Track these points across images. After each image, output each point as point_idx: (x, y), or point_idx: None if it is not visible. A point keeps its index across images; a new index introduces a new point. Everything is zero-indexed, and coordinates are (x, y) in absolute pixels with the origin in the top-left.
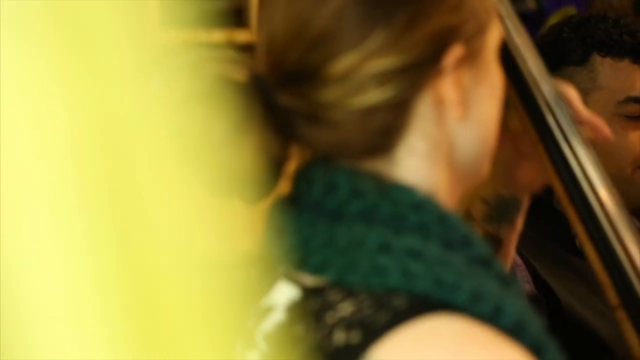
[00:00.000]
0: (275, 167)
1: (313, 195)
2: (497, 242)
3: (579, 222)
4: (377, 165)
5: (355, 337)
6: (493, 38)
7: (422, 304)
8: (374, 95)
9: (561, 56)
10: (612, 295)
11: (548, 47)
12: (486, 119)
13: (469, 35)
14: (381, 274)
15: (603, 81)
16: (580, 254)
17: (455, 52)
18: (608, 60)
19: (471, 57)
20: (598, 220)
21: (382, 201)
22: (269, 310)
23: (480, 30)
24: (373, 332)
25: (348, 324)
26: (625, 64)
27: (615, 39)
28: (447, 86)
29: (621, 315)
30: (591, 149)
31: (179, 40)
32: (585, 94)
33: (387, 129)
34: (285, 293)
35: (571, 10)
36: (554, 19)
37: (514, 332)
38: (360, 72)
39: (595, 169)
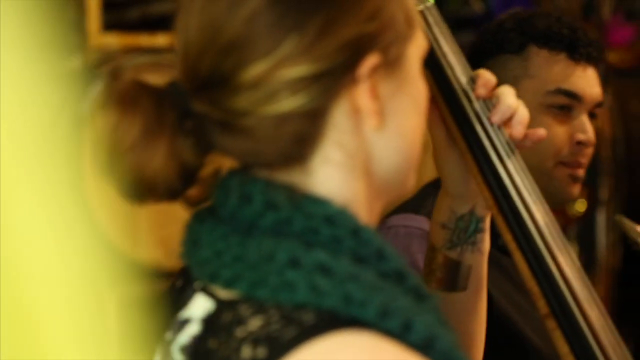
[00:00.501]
0: (187, 174)
1: (229, 206)
2: (466, 269)
3: (508, 232)
4: (292, 176)
5: (261, 352)
6: (415, 49)
7: (330, 320)
8: (287, 103)
9: (499, 44)
10: (541, 305)
11: (489, 35)
12: (406, 130)
13: (386, 44)
14: (290, 289)
15: (536, 70)
16: (504, 251)
17: (370, 61)
18: (544, 52)
19: (389, 67)
20: (527, 230)
21: (295, 214)
22: (185, 322)
23: (400, 40)
24: (279, 348)
25: (255, 339)
26: (561, 58)
27: (554, 32)
28: (363, 95)
29: (551, 324)
30: (520, 159)
31: (120, 44)
32: (516, 81)
33: (301, 137)
34: (201, 306)
35: None
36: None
37: (424, 348)
38: (272, 80)
39: (524, 177)
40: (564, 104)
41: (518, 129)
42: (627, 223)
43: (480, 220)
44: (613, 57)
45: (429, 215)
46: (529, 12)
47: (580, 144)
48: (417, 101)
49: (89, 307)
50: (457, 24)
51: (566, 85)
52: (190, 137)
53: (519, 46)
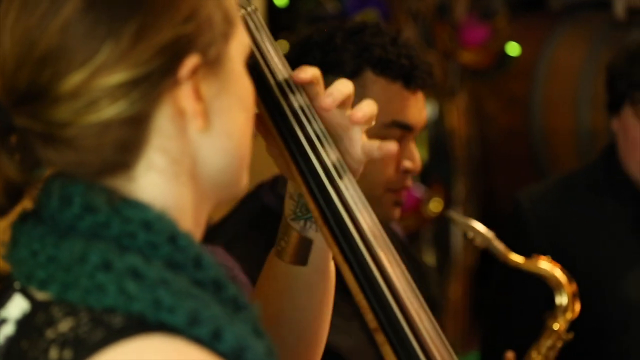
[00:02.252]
0: (13, 191)
1: (49, 208)
2: (307, 244)
3: (335, 244)
4: (116, 182)
5: (67, 354)
6: (237, 48)
7: (138, 324)
8: (108, 111)
9: (333, 64)
10: (370, 318)
11: (318, 51)
12: (234, 130)
13: (204, 45)
14: (100, 292)
15: (373, 99)
16: None
17: (190, 62)
18: (381, 80)
19: (210, 67)
20: (354, 243)
21: (113, 218)
22: (1, 323)
23: (219, 40)
24: (85, 350)
25: (63, 341)
26: (397, 87)
27: (392, 60)
28: (185, 97)
29: (380, 338)
30: (347, 169)
31: None
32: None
33: (124, 144)
34: (18, 306)
35: (372, 13)
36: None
37: (234, 357)
38: (91, 88)
39: (350, 185)
40: (397, 136)
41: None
42: (459, 218)
43: None
44: (468, 57)
45: None
46: (359, 27)
47: (407, 172)
48: (242, 99)
49: None
50: (311, 24)
51: (401, 117)
52: (16, 154)
53: (355, 70)
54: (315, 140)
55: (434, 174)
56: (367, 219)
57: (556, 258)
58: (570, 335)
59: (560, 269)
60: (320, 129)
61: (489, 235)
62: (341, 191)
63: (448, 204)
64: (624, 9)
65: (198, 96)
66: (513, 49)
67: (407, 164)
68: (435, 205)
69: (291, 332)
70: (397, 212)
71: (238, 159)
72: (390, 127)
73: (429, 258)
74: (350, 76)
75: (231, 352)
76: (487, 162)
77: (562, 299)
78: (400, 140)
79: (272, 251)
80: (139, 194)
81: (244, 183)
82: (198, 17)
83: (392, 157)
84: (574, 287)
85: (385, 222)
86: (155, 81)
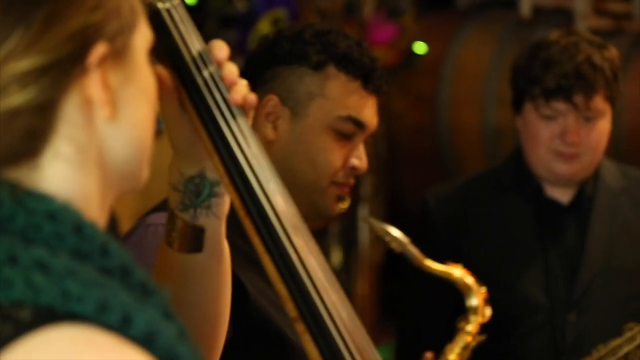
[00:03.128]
0: None
1: None
2: (199, 232)
3: (256, 235)
4: (21, 172)
5: None
6: (141, 39)
7: (47, 316)
8: (17, 98)
9: (299, 55)
10: (290, 307)
11: (286, 40)
12: (138, 121)
13: (112, 34)
14: (7, 286)
15: (332, 92)
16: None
17: (98, 50)
18: (342, 75)
19: (117, 56)
20: (275, 233)
21: (17, 211)
22: None
23: (125, 30)
24: None
25: None
26: (356, 85)
27: (355, 57)
28: (93, 85)
29: (301, 328)
30: (265, 156)
31: None
32: (309, 98)
33: (31, 132)
34: None
35: (281, 12)
36: (263, 22)
37: (145, 342)
38: (0, 75)
39: (274, 179)
40: (349, 131)
41: (236, 94)
42: (375, 223)
43: (215, 184)
44: (375, 55)
45: None
46: (327, 28)
47: (354, 169)
48: (146, 91)
49: None
50: (221, 22)
51: (357, 114)
52: None
53: (318, 63)
54: (238, 133)
55: None
56: (283, 205)
57: (461, 256)
58: (483, 337)
59: (472, 276)
60: (245, 122)
61: (404, 240)
62: (262, 182)
63: (355, 201)
64: (530, 7)
65: (105, 85)
66: (420, 47)
67: (355, 161)
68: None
69: (193, 317)
70: (338, 207)
71: (141, 151)
72: (346, 121)
73: (337, 254)
74: (314, 68)
75: (142, 336)
76: (394, 159)
77: (472, 303)
78: (352, 138)
79: (162, 243)
80: (45, 183)
81: (145, 175)
82: (106, 6)
83: (342, 151)
84: (484, 293)
85: (326, 215)
86: (64, 68)
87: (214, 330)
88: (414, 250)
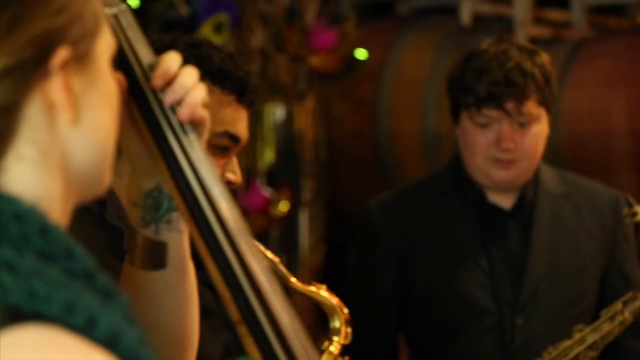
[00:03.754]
0: None
1: None
2: (162, 247)
3: (199, 238)
4: None
5: None
6: (104, 45)
7: (13, 315)
8: None
9: None
10: (233, 311)
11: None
12: (101, 125)
13: (75, 39)
14: None
15: (207, 107)
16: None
17: (61, 54)
18: (217, 90)
19: (80, 61)
20: (218, 237)
21: None
22: None
23: (88, 35)
24: None
25: None
26: (231, 100)
27: (230, 71)
28: (56, 89)
29: (243, 331)
30: (211, 163)
31: None
32: None
33: None
34: None
35: (223, 17)
36: (206, 26)
37: (109, 344)
38: None
39: (218, 184)
40: (226, 145)
41: (184, 110)
42: (281, 269)
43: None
44: (316, 61)
45: None
46: (196, 41)
47: (229, 183)
48: (109, 97)
49: None
50: (163, 27)
51: (232, 129)
52: None
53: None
54: (182, 136)
55: (282, 175)
56: (226, 208)
57: (406, 263)
58: (345, 359)
59: (337, 299)
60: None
61: (275, 260)
62: (204, 182)
63: (296, 205)
64: (470, 15)
65: (68, 89)
66: (361, 53)
67: (230, 176)
68: (283, 206)
69: (159, 337)
70: None
71: (103, 156)
72: (222, 136)
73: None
74: None
75: (106, 339)
76: (335, 164)
77: (335, 325)
78: (227, 152)
79: (125, 261)
80: (9, 185)
81: (107, 182)
82: (69, 11)
83: (217, 165)
84: (347, 314)
85: None
86: (27, 71)
87: (182, 352)
88: (283, 270)
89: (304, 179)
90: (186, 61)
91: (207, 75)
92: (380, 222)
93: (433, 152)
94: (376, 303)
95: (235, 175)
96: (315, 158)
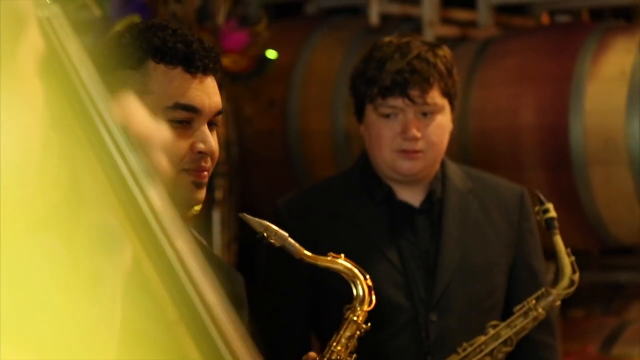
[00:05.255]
0: None
1: None
2: None
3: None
4: None
5: None
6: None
7: None
8: None
9: (120, 60)
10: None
11: (110, 51)
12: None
13: None
14: None
15: (154, 86)
16: None
17: None
18: (162, 67)
19: None
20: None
21: None
22: None
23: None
24: None
25: None
26: (177, 72)
27: (169, 47)
28: None
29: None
30: (140, 152)
31: None
32: (138, 97)
33: None
34: None
35: (136, 19)
36: (119, 27)
37: None
38: None
39: (148, 179)
40: (183, 118)
41: None
42: (252, 219)
43: None
44: (227, 61)
45: None
46: (147, 24)
47: (201, 153)
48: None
49: None
50: (74, 28)
51: (183, 100)
52: None
53: (138, 62)
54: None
55: None
56: (160, 205)
57: None
58: (368, 326)
59: (355, 266)
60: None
61: (284, 235)
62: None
63: (209, 204)
64: (378, 15)
65: None
66: (271, 53)
67: (200, 145)
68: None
69: None
70: (199, 194)
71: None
72: (174, 109)
73: None
74: (135, 67)
75: None
76: (246, 163)
77: (359, 291)
78: (190, 123)
79: None
80: None
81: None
82: None
83: (183, 138)
84: (369, 281)
85: (188, 204)
86: None
87: None
88: (294, 244)
89: (216, 179)
90: (128, 49)
91: (149, 55)
92: (290, 221)
93: (343, 152)
94: (287, 301)
95: (205, 144)
96: (227, 158)
